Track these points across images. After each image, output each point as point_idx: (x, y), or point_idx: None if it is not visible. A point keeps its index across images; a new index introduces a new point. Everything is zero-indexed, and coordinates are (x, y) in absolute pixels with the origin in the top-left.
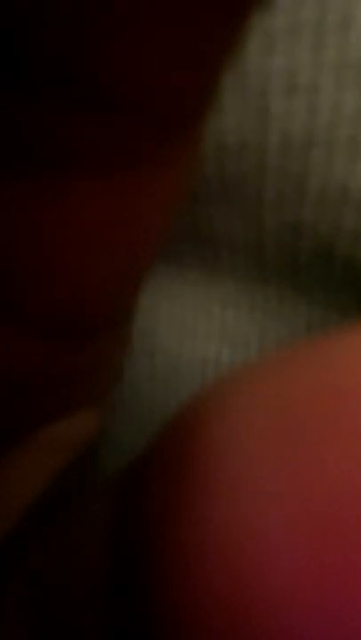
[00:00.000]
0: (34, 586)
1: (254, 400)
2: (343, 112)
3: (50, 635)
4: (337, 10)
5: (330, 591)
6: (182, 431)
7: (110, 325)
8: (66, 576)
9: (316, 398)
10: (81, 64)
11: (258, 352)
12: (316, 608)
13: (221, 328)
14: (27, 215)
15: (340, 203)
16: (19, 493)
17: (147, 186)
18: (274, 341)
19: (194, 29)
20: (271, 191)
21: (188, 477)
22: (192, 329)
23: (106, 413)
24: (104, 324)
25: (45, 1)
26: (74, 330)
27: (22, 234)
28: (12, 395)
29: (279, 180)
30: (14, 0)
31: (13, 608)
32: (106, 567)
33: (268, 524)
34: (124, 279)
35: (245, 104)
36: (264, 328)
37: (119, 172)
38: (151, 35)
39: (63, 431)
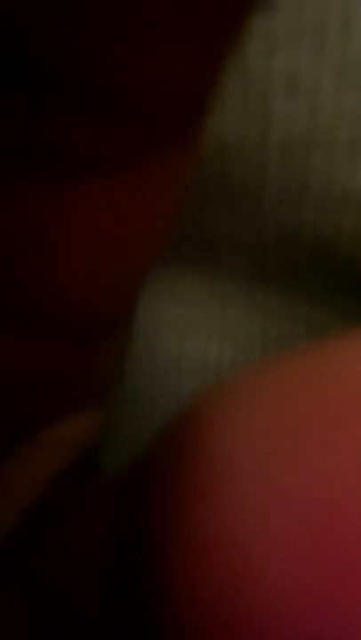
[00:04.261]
0: (34, 586)
1: (255, 401)
2: (344, 113)
3: (50, 634)
4: (337, 11)
5: (331, 589)
6: (183, 431)
7: (110, 325)
8: (66, 576)
9: (316, 401)
10: (82, 66)
11: (259, 352)
12: (318, 606)
13: (222, 328)
14: (27, 216)
15: (340, 203)
16: (20, 493)
17: (147, 186)
18: (275, 341)
19: (194, 31)
20: (272, 192)
21: (189, 477)
22: (193, 329)
23: (106, 413)
24: (104, 324)
25: (46, 3)
26: (74, 330)
27: (23, 235)
28: (12, 395)
29: (280, 180)
30: (15, 2)
31: (14, 608)
32: (106, 567)
33: (269, 524)
34: (124, 279)
35: (246, 105)
36: (265, 328)
37: (119, 173)
38: (152, 37)
39: (64, 431)
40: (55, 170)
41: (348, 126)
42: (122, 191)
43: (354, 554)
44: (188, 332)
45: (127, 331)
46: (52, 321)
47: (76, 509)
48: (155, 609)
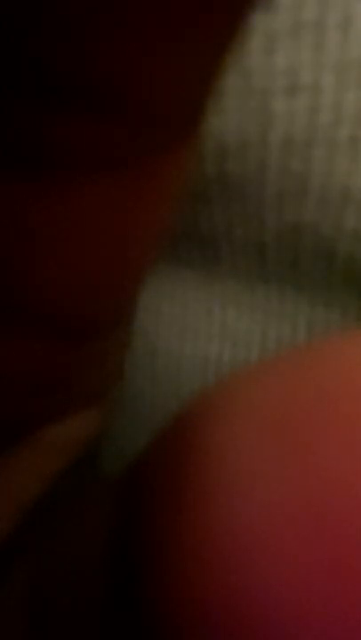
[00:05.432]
0: (34, 586)
1: (255, 402)
2: (344, 111)
3: (50, 634)
4: (338, 9)
5: (329, 591)
6: (183, 432)
7: (110, 325)
8: (66, 576)
9: (316, 400)
10: (81, 65)
11: (259, 351)
12: (316, 608)
13: (222, 327)
14: (26, 215)
15: (341, 202)
16: (19, 493)
17: (146, 186)
18: (275, 340)
19: (194, 30)
20: (272, 191)
21: (188, 478)
22: (193, 328)
23: (106, 413)
24: (104, 323)
25: (46, 3)
26: (73, 330)
27: (22, 234)
28: (12, 395)
29: (280, 179)
30: (16, 3)
31: (13, 608)
32: (106, 567)
33: (268, 525)
34: (123, 279)
35: (247, 104)
36: (265, 327)
37: (119, 173)
38: (152, 37)
39: (63, 431)
40: (54, 170)
41: (348, 125)
42: (121, 191)
43: (354, 552)
44: (188, 332)
45: (127, 331)
46: (51, 321)
47: (76, 510)
48: (155, 609)
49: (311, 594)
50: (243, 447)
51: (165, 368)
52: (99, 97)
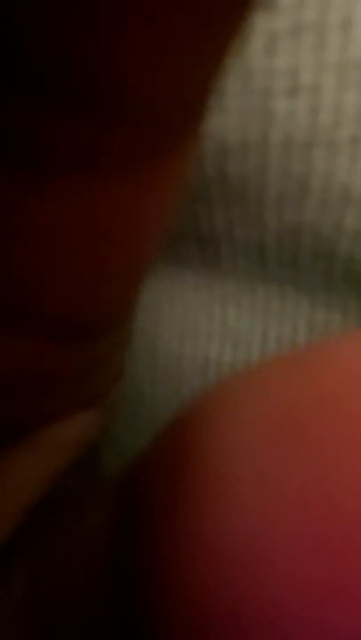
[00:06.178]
0: (34, 586)
1: (255, 402)
2: (345, 112)
3: (50, 635)
4: (339, 10)
5: (329, 593)
6: (183, 432)
7: (110, 325)
8: (66, 576)
9: (316, 401)
10: (81, 65)
11: (259, 352)
12: (316, 610)
13: (223, 328)
14: (26, 216)
15: (341, 202)
16: (20, 493)
17: (146, 186)
18: (275, 341)
19: (193, 30)
20: (273, 191)
21: (188, 478)
22: (193, 329)
23: (107, 413)
24: (103, 323)
25: (46, 4)
26: (73, 330)
27: (22, 234)
28: (11, 394)
29: (281, 179)
30: (15, 2)
31: (13, 608)
32: (106, 567)
33: (270, 523)
34: (123, 279)
35: (247, 104)
36: (266, 328)
37: (119, 173)
38: (151, 37)
39: (63, 431)
40: (54, 170)
41: (349, 125)
42: (121, 191)
43: (354, 550)
44: (189, 331)
45: (127, 330)
46: (51, 321)
47: (76, 510)
48: (154, 609)
49: (311, 596)
50: (243, 448)
51: (165, 368)
52: (98, 97)
